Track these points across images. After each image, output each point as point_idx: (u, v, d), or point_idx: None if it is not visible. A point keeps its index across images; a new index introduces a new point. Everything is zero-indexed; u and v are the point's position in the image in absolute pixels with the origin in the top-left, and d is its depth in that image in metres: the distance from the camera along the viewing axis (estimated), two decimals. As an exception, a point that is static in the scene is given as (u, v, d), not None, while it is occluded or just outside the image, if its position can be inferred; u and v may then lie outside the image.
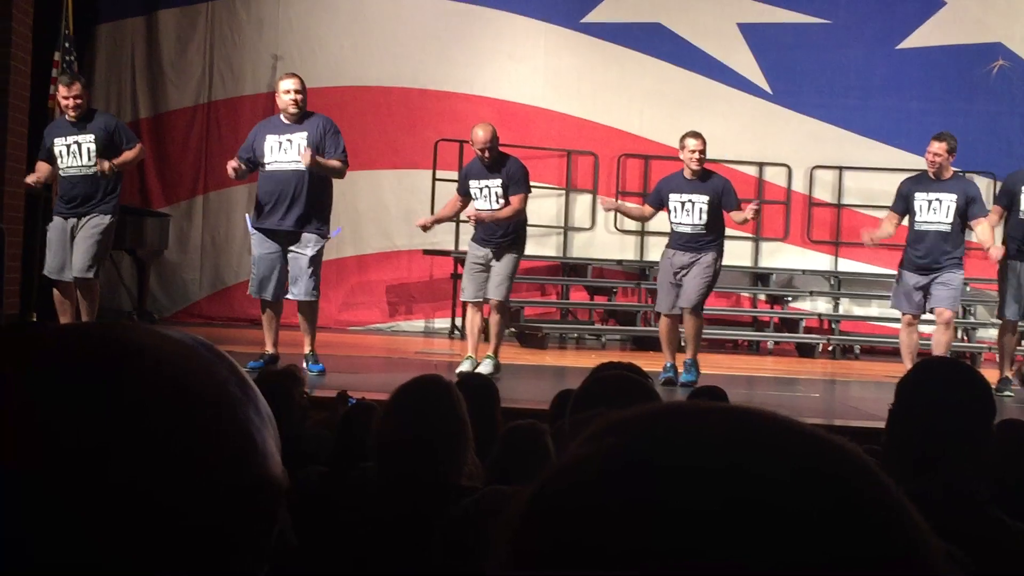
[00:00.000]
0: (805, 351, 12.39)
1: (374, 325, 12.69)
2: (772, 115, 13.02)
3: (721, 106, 12.93)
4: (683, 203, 9.02)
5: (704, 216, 8.98)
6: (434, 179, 12.45)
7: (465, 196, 9.11)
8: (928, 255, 9.05)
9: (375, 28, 12.86)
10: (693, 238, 9.02)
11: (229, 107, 12.88)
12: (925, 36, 13.04)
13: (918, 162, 12.69)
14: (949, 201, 9.09)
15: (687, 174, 9.06)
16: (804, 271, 12.88)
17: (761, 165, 12.98)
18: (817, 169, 13.02)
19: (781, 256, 13.02)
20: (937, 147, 9.14)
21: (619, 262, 12.99)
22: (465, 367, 8.50)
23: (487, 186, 8.96)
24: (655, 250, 12.99)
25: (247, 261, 12.56)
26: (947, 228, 9.08)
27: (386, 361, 9.81)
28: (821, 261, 13.00)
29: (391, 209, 12.82)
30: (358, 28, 12.86)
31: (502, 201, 8.91)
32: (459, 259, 12.51)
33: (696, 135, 9.04)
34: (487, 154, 8.89)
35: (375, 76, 12.86)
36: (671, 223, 9.10)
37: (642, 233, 12.98)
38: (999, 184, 12.60)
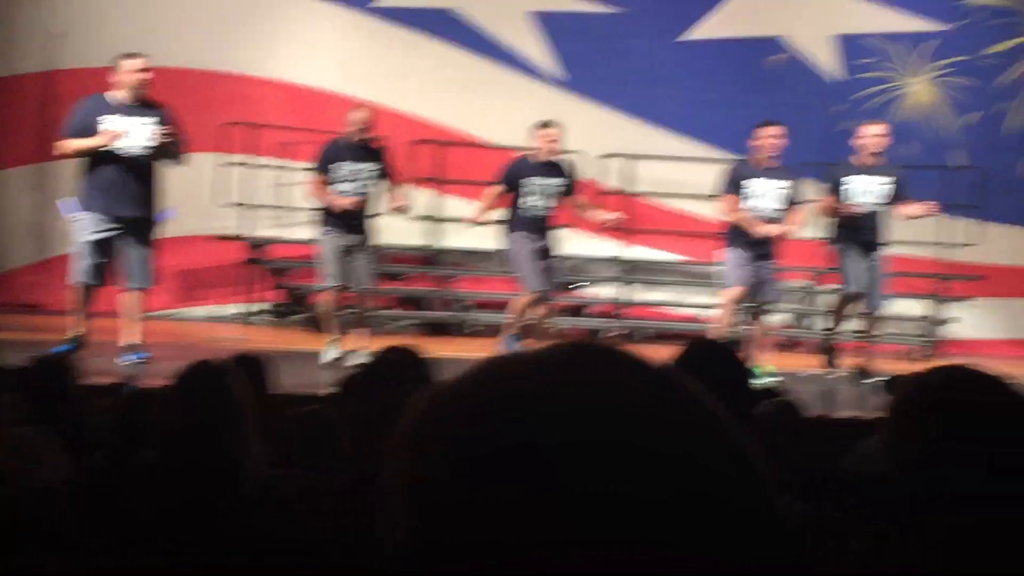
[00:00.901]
0: (593, 336, 12.62)
1: (163, 311, 12.38)
2: (563, 103, 13.16)
3: (513, 93, 13.04)
4: (542, 187, 9.37)
5: (556, 200, 9.43)
6: (222, 163, 12.22)
7: (327, 175, 9.12)
8: (763, 243, 9.29)
9: (161, 7, 12.53)
10: (545, 221, 9.45)
11: (3, 86, 12.37)
12: (709, 28, 13.40)
13: (704, 151, 13.10)
14: (783, 188, 9.36)
15: (541, 158, 9.40)
16: (593, 258, 13.09)
17: (552, 152, 13.12)
18: (607, 157, 13.24)
19: (570, 242, 13.19)
20: (777, 131, 9.40)
21: (412, 248, 12.99)
22: (331, 355, 8.66)
23: (362, 170, 9.03)
24: (447, 236, 13.05)
25: (25, 245, 12.17)
26: (778, 215, 9.36)
27: (175, 347, 9.60)
28: (609, 247, 13.22)
29: (179, 193, 12.51)
30: (143, 7, 12.51)
31: (374, 187, 8.99)
32: (252, 243, 12.35)
33: (557, 124, 9.47)
34: (364, 135, 9.00)
35: (162, 57, 12.46)
36: (526, 207, 9.39)
37: (434, 219, 13.01)
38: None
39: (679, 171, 13.09)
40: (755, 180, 9.35)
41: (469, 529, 0.66)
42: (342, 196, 9.02)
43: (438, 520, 0.67)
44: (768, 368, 9.19)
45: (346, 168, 9.04)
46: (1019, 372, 10.66)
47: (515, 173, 9.50)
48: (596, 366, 0.73)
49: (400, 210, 9.32)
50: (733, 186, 9.43)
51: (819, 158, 13.08)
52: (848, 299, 9.75)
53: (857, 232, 9.61)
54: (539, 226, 9.44)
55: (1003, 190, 13.14)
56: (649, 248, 13.29)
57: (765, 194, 9.34)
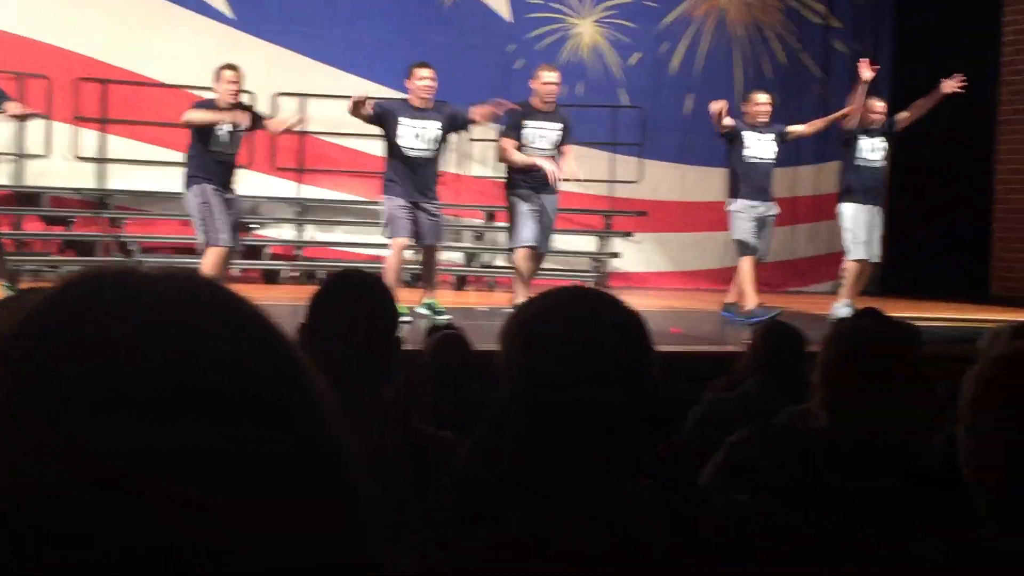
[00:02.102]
0: (270, 278, 12.49)
1: None
2: (235, 41, 12.89)
3: (184, 31, 12.68)
4: (231, 134, 9.18)
5: (239, 146, 9.33)
6: None
7: None
8: (417, 185, 9.26)
9: None
10: (231, 165, 9.26)
11: None
12: (380, -34, 13.38)
13: (380, 91, 13.10)
14: (435, 128, 9.31)
15: (223, 104, 9.12)
16: (269, 198, 12.91)
17: (224, 91, 12.85)
18: (280, 96, 13.06)
19: (246, 183, 12.99)
20: (431, 72, 9.32)
21: (77, 191, 12.48)
22: None
23: None
24: (115, 178, 12.60)
25: None
26: (432, 154, 9.31)
27: None
28: (286, 188, 13.08)
29: None
30: None
31: None
32: None
33: (238, 67, 9.16)
34: None
35: None
36: (212, 150, 9.09)
37: (102, 160, 12.54)
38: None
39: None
40: (411, 120, 9.30)
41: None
42: None
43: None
44: (438, 304, 9.31)
45: None
46: (680, 303, 11.21)
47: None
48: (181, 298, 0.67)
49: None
50: (381, 117, 9.39)
51: (494, 97, 13.33)
52: (524, 253, 9.84)
53: (531, 175, 9.72)
54: (224, 171, 9.18)
55: (664, 129, 13.71)
56: (325, 188, 13.22)
57: (416, 136, 9.29)
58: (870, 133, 10.33)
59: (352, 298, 2.56)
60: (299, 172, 13.13)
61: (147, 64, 12.71)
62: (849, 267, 10.35)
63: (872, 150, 10.35)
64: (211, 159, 9.05)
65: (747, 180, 10.15)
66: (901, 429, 3.07)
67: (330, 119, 13.11)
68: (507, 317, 1.74)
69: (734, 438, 2.95)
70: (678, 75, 14.18)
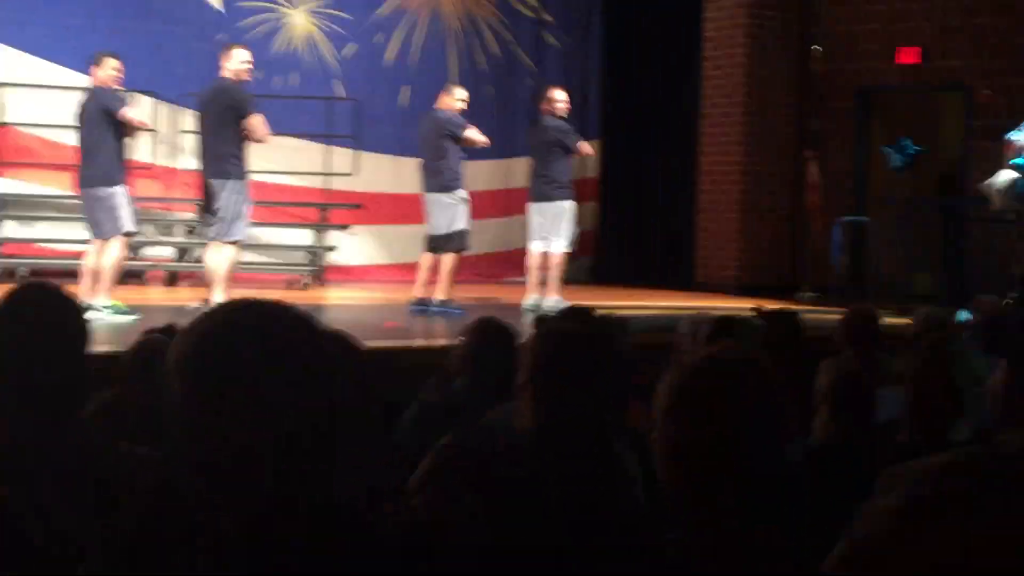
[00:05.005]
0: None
1: None
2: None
3: None
4: None
5: None
6: None
7: None
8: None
9: None
10: None
11: None
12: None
13: (79, 79, 12.56)
14: None
15: None
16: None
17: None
18: (-27, 85, 12.38)
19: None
20: (120, 63, 9.03)
21: None
22: None
23: None
24: None
25: None
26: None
27: None
28: (-20, 182, 12.42)
29: None
30: None
31: None
32: None
33: None
34: None
35: None
36: None
37: None
38: (160, 103, 12.81)
39: (52, 100, 12.50)
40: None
41: None
42: None
43: None
44: (118, 304, 8.98)
45: None
46: (398, 296, 11.19)
47: None
48: None
49: None
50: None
51: (203, 87, 12.98)
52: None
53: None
54: None
55: (380, 121, 13.67)
56: (24, 182, 12.59)
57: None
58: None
59: (30, 318, 2.36)
60: (-2, 165, 12.47)
61: None
62: (559, 260, 10.37)
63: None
64: None
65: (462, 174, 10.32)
66: (605, 428, 3.10)
67: (27, 109, 12.52)
68: (170, 347, 1.62)
69: (442, 441, 2.91)
70: (393, 67, 14.15)
